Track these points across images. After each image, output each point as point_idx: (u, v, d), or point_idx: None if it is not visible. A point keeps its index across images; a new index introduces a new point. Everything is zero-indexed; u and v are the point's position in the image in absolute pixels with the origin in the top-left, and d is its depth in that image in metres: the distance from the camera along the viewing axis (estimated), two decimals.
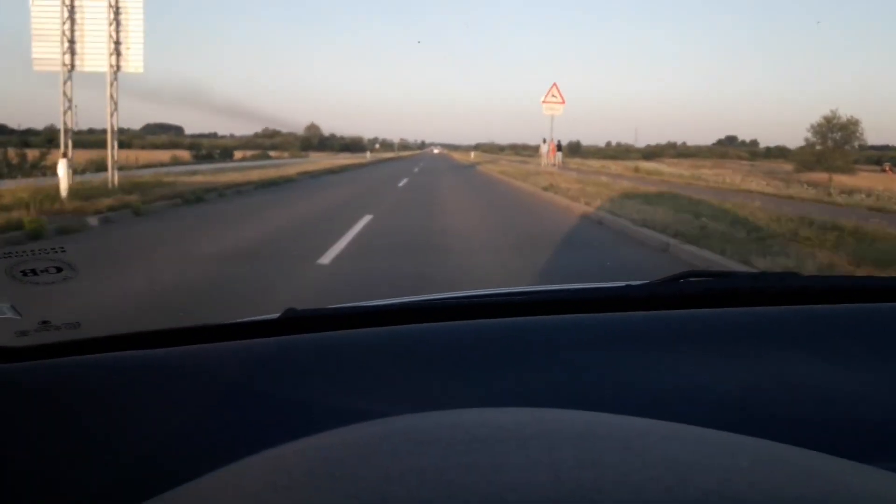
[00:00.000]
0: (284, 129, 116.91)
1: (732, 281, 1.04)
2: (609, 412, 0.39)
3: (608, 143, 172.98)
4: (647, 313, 0.86)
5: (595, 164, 38.93)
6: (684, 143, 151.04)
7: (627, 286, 0.97)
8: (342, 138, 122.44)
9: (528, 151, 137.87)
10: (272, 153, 54.07)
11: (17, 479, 0.61)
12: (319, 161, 33.27)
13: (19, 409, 0.68)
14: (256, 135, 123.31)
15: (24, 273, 0.75)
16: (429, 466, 0.29)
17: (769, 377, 0.73)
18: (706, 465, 0.30)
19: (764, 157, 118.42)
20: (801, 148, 51.39)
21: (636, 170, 27.06)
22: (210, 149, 36.96)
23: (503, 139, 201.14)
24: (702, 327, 0.83)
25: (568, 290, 0.99)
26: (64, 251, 0.78)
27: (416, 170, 29.66)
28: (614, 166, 32.40)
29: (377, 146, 75.89)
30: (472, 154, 56.36)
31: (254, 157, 40.39)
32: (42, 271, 0.76)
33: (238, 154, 39.02)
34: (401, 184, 17.99)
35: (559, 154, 36.53)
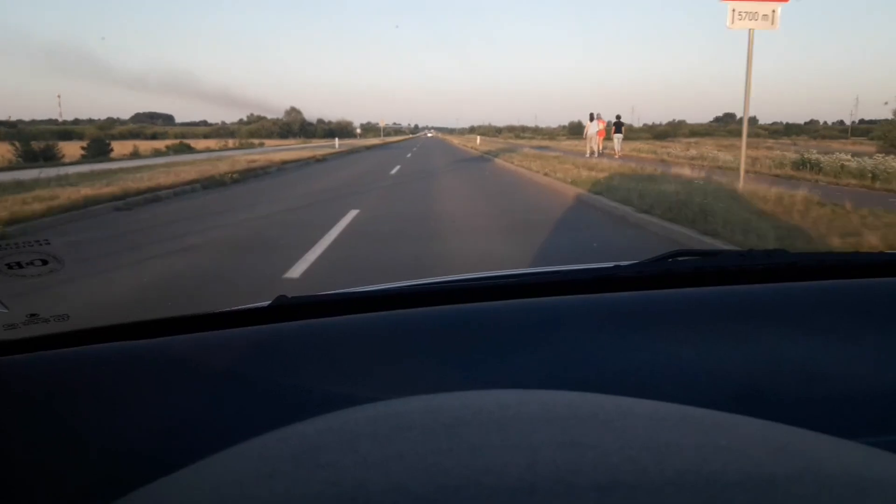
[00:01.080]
0: (271, 115, 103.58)
1: (720, 259, 1.02)
2: (598, 392, 0.39)
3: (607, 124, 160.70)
4: (635, 293, 0.85)
5: (677, 149, 25.48)
6: (684, 121, 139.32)
7: (616, 266, 0.94)
8: (328, 123, 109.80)
9: (527, 133, 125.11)
10: (195, 143, 40.32)
11: (6, 472, 0.59)
12: (244, 157, 19.91)
13: (8, 402, 0.66)
14: (241, 121, 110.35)
15: (10, 266, 0.72)
16: (408, 451, 0.29)
17: (757, 354, 0.72)
18: (685, 443, 0.29)
19: (784, 134, 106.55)
20: (889, 122, 38.13)
21: (814, 168, 13.85)
22: (49, 140, 22.51)
23: (498, 121, 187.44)
24: (690, 306, 0.81)
25: (557, 272, 0.97)
26: (49, 243, 0.74)
27: (394, 171, 16.40)
28: (723, 155, 19.36)
29: (358, 130, 62.04)
30: (478, 139, 41.45)
31: (163, 151, 26.86)
32: (27, 264, 0.73)
33: (125, 148, 24.93)
34: (291, 273, 4.26)
35: (618, 137, 23.45)
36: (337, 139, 35.62)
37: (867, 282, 0.89)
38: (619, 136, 22.18)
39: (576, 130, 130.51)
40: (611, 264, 0.97)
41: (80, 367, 0.70)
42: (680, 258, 0.98)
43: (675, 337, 0.75)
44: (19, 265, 0.73)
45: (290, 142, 58.61)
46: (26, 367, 0.70)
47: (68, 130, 74.96)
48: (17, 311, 0.74)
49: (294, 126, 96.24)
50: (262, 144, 41.41)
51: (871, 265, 0.97)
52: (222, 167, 14.58)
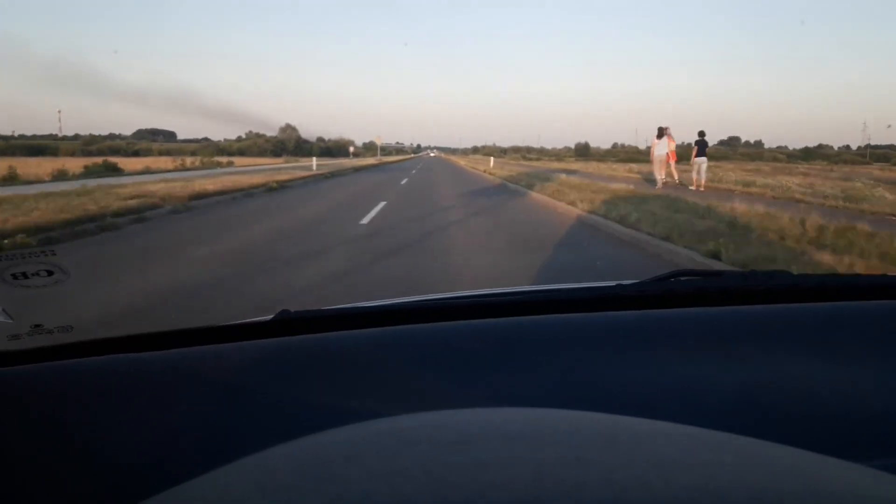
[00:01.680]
0: (271, 133, 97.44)
1: (722, 280, 1.01)
2: (600, 411, 0.38)
3: (614, 145, 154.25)
4: (637, 312, 0.84)
5: (791, 179, 18.34)
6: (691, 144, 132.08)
7: (618, 285, 0.94)
8: (327, 141, 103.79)
9: (533, 154, 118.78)
10: (139, 162, 32.95)
11: (9, 482, 0.59)
12: (148, 186, 12.91)
13: (11, 413, 0.65)
14: (239, 138, 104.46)
15: (15, 276, 0.72)
16: (413, 465, 0.29)
17: (759, 375, 0.71)
18: (690, 462, 0.29)
19: (802, 158, 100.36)
20: None
21: None
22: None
23: (500, 142, 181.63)
24: (692, 326, 0.81)
25: (560, 290, 0.97)
26: (54, 254, 0.74)
27: (369, 217, 9.01)
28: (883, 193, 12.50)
29: (352, 149, 55.21)
30: (492, 160, 32.05)
31: (72, 174, 19.78)
32: (33, 275, 0.73)
33: (70, 164, 17.25)
34: None
35: (702, 162, 16.41)
36: (315, 159, 27.95)
37: (869, 304, 0.88)
38: (704, 160, 15.26)
39: (582, 152, 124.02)
40: (613, 283, 0.95)
41: (84, 379, 0.69)
42: (683, 278, 0.96)
43: (678, 356, 0.74)
44: (24, 275, 0.72)
45: (275, 160, 51.55)
46: (30, 378, 0.69)
47: (41, 146, 68.49)
48: (21, 322, 0.73)
49: (289, 144, 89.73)
50: (230, 164, 34.16)
51: (874, 287, 0.96)
52: (41, 213, 7.56)
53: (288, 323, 0.80)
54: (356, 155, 63.70)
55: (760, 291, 0.91)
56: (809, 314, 0.84)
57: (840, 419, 0.66)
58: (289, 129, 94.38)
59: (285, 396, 0.67)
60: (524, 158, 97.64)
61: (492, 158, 29.24)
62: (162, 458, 0.60)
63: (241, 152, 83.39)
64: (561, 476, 0.27)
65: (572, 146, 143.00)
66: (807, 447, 0.34)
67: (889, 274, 1.09)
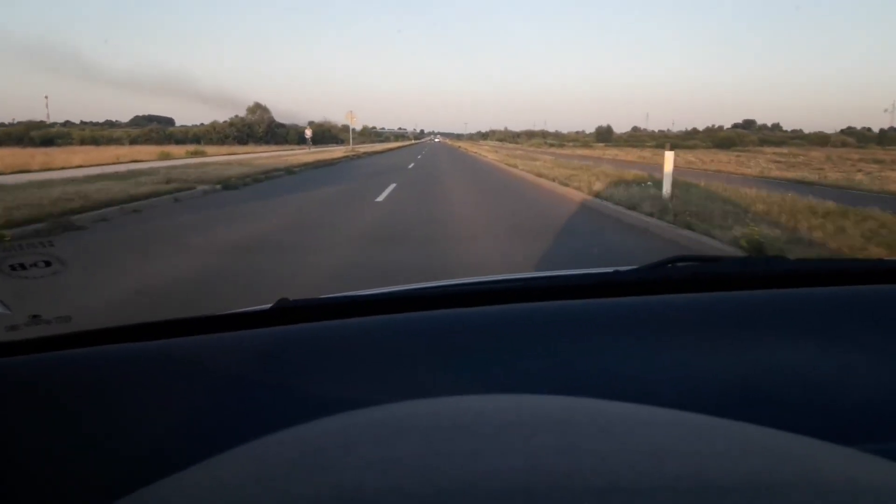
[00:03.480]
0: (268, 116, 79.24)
1: (720, 265, 1.02)
2: (596, 397, 0.38)
3: (635, 128, 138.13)
4: (634, 298, 0.84)
5: None
6: (721, 127, 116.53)
7: (615, 272, 0.94)
8: (309, 125, 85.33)
9: (551, 139, 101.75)
10: None
11: (8, 474, 0.59)
12: None
13: (10, 404, 0.66)
14: (225, 122, 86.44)
15: (13, 267, 0.72)
16: (407, 454, 0.29)
17: (756, 361, 0.72)
18: (683, 449, 0.29)
19: (877, 143, 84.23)
20: None
21: None
22: None
23: (506, 126, 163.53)
24: (689, 312, 0.81)
25: (556, 277, 0.97)
26: (52, 245, 0.74)
27: None
28: None
29: (308, 134, 37.28)
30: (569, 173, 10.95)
31: None
32: (31, 265, 0.73)
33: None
34: None
35: None
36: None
37: (866, 288, 0.88)
38: None
39: (604, 137, 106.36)
40: (610, 269, 0.95)
41: (82, 369, 0.69)
42: (680, 263, 0.96)
43: (674, 342, 0.74)
44: (22, 266, 0.72)
45: (171, 149, 32.89)
46: (28, 369, 0.69)
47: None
48: (19, 313, 0.74)
49: (258, 128, 70.96)
50: None
51: (871, 272, 0.96)
52: None
53: (286, 311, 0.81)
54: (340, 141, 46.57)
55: (757, 277, 0.92)
56: (806, 299, 0.84)
57: (836, 404, 0.66)
58: (258, 109, 75.44)
59: (284, 385, 0.67)
60: (545, 144, 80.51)
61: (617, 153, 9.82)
62: (159, 448, 0.60)
63: (198, 139, 65.39)
64: (553, 464, 0.27)
65: (585, 130, 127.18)
66: (802, 431, 0.34)
67: (886, 258, 1.09)
